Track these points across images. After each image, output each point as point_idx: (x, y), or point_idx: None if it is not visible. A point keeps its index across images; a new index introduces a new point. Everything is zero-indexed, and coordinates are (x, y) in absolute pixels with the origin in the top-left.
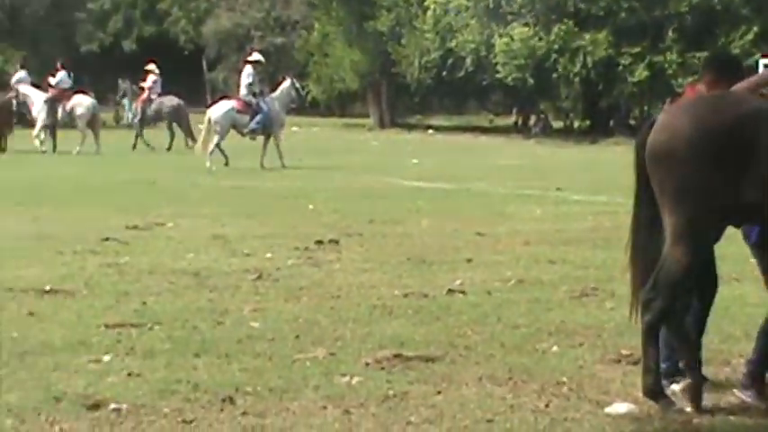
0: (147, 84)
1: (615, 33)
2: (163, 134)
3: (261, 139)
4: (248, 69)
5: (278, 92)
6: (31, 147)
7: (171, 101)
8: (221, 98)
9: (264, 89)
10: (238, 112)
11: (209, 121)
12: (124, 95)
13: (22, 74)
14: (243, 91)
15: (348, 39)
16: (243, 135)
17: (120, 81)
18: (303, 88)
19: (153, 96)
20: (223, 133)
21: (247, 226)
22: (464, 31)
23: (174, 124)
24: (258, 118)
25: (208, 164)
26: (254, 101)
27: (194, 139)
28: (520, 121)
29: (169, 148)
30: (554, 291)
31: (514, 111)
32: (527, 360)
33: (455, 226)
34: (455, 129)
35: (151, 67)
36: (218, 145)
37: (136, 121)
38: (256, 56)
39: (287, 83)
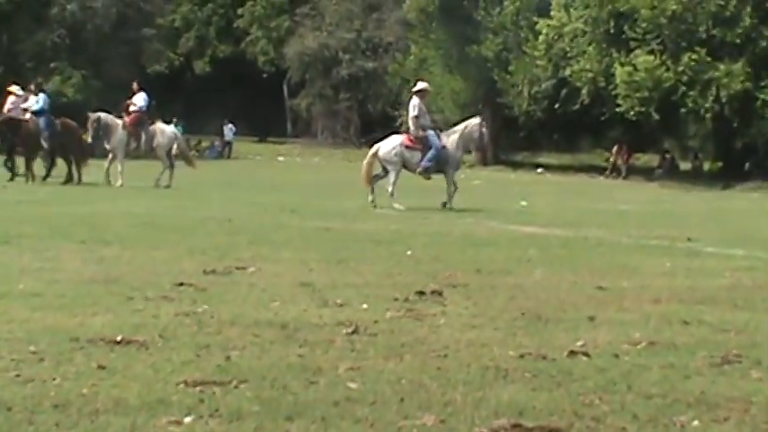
0: (7, 105)
1: (753, 64)
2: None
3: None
4: (414, 101)
5: (461, 126)
6: (97, 178)
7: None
8: (391, 133)
9: (433, 121)
10: (407, 147)
11: (376, 156)
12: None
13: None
14: (410, 125)
15: (448, 64)
16: (418, 174)
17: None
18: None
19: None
20: (397, 169)
21: (338, 273)
22: (580, 58)
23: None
24: (430, 155)
25: (396, 205)
26: (421, 134)
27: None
28: (618, 162)
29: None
30: (691, 356)
31: (615, 149)
32: None
33: (573, 279)
34: (567, 168)
35: (14, 88)
36: (393, 184)
37: None
38: (421, 84)
39: (475, 120)
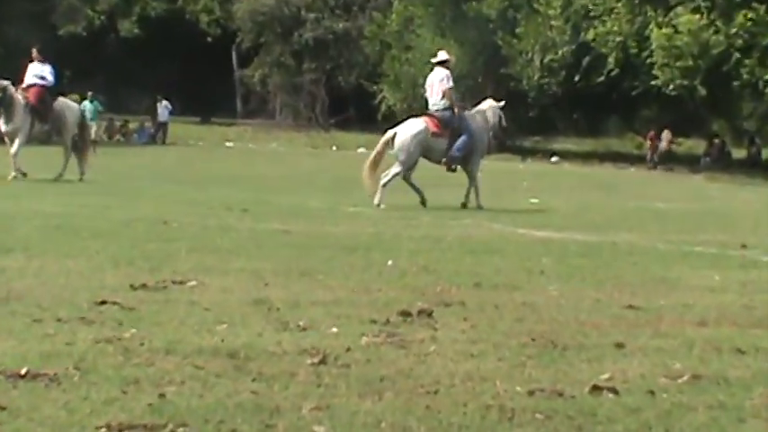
0: None
1: None
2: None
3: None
4: (441, 73)
5: (481, 107)
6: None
7: None
8: (411, 116)
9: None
10: (434, 134)
11: (389, 144)
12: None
13: None
14: (440, 102)
15: (440, 26)
16: (442, 165)
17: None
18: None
19: None
20: (409, 163)
21: (301, 288)
22: (606, 17)
23: None
24: (461, 142)
25: (376, 199)
26: (447, 116)
27: None
28: (650, 153)
29: None
30: (745, 393)
31: (651, 134)
32: None
33: (596, 295)
34: (589, 156)
35: None
36: (402, 177)
37: None
38: (444, 55)
39: (494, 103)
